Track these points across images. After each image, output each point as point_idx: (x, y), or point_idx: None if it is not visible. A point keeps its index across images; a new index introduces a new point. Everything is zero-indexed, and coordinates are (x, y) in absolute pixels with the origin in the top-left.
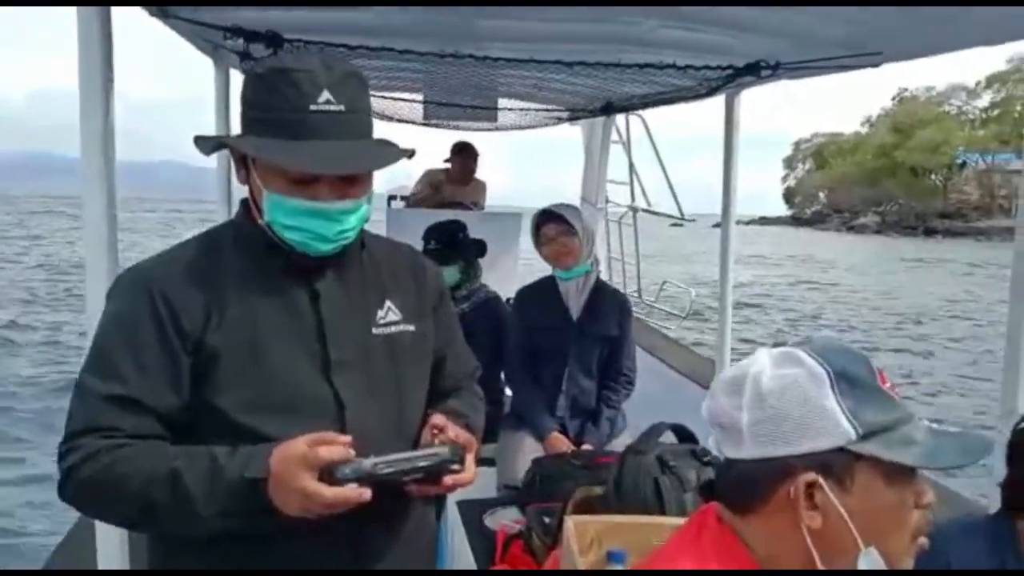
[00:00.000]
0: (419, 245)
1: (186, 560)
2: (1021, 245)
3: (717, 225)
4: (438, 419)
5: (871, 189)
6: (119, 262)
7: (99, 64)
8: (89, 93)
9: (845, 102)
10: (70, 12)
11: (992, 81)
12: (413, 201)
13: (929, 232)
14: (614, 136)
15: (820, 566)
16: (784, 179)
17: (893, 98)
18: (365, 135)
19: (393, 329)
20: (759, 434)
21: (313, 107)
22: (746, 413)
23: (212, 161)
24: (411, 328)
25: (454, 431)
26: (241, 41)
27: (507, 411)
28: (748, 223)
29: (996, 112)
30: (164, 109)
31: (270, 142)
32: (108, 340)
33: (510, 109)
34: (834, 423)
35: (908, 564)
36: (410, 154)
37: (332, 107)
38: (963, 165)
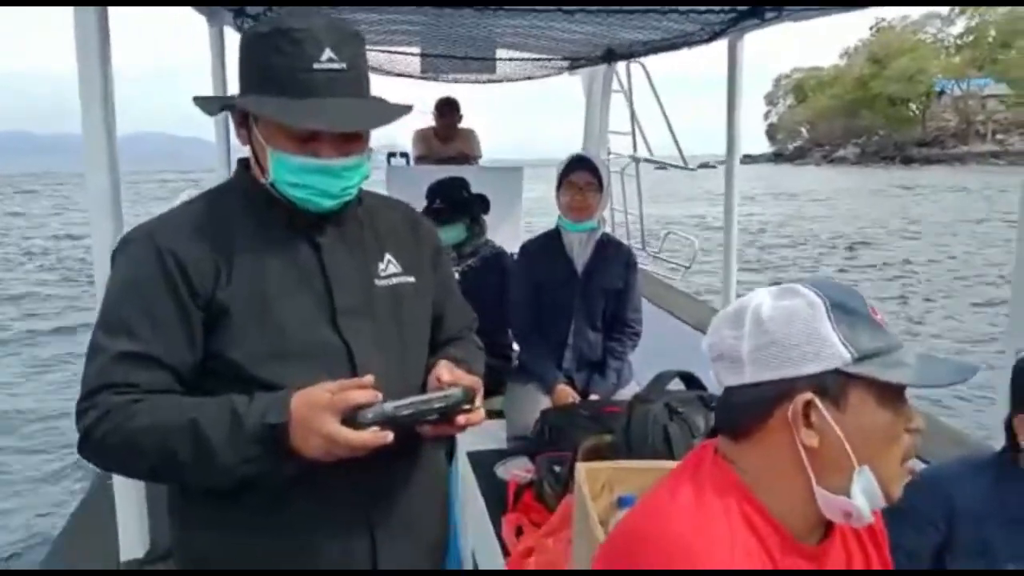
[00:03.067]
0: (421, 201)
1: (206, 510)
2: None
3: (703, 165)
4: (441, 366)
5: (851, 121)
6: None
7: (96, 37)
8: (88, 68)
9: (824, 35)
10: None
11: (965, 7)
12: (415, 160)
13: (907, 161)
14: (615, 85)
15: (815, 486)
16: (766, 116)
17: (870, 28)
18: (365, 93)
19: (395, 280)
20: (759, 359)
21: (316, 65)
22: (747, 341)
23: (195, 131)
24: (411, 280)
25: (460, 374)
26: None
27: (515, 364)
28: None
29: (970, 38)
30: (137, 81)
31: (274, 100)
32: (118, 298)
33: (509, 59)
34: (830, 346)
35: (899, 488)
36: (407, 110)
37: (335, 65)
38: (940, 93)
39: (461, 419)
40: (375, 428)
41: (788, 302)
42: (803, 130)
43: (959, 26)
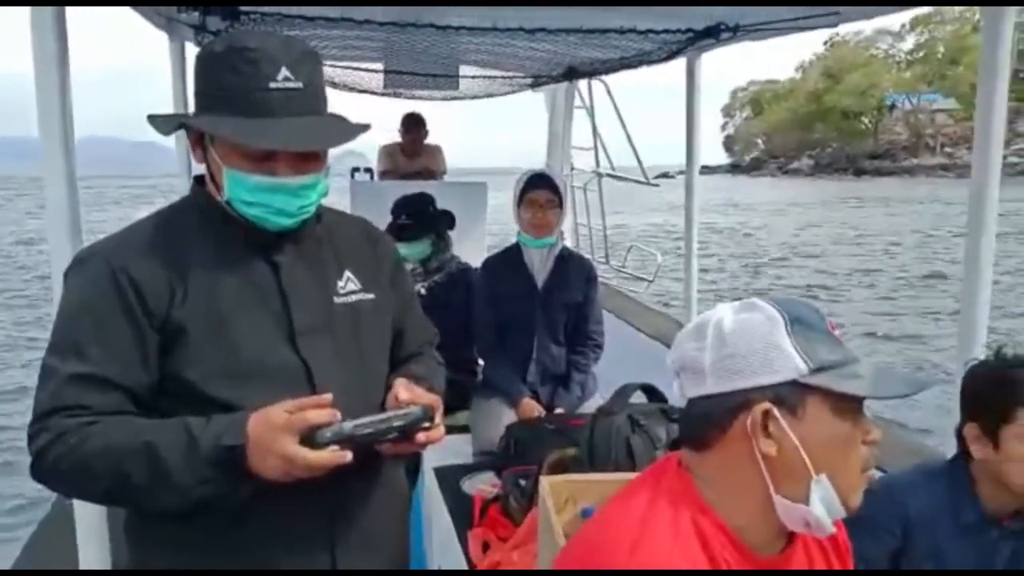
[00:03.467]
0: (386, 216)
1: (163, 530)
2: (977, 187)
3: (662, 175)
4: (400, 383)
5: (805, 134)
6: (83, 242)
7: (52, 37)
8: (43, 70)
9: (780, 49)
10: None
11: (915, 24)
12: (380, 175)
13: (859, 173)
14: (577, 101)
15: (773, 495)
16: (723, 127)
17: (824, 43)
18: (322, 112)
19: (354, 298)
20: (720, 370)
21: (272, 84)
22: (708, 353)
23: (152, 136)
24: (371, 296)
25: (419, 392)
26: (196, 14)
27: (480, 379)
28: (681, 174)
29: (920, 54)
30: (91, 85)
31: (230, 120)
32: (70, 319)
33: (472, 77)
34: (787, 358)
35: (858, 498)
36: (365, 128)
37: (291, 84)
38: (892, 107)
39: (421, 437)
40: (334, 447)
41: (748, 315)
42: (759, 142)
43: (909, 42)
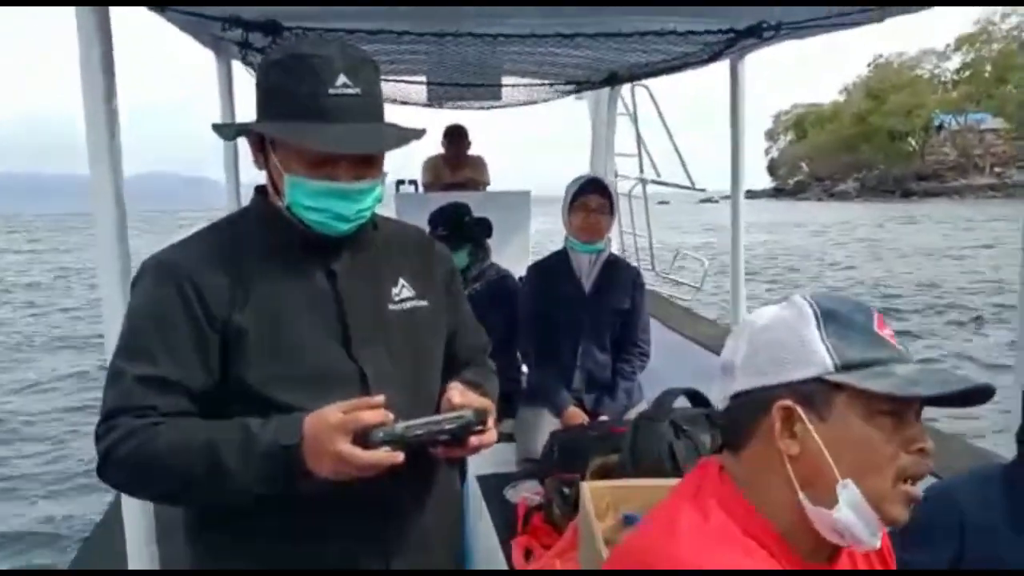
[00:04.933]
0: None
1: (221, 532)
2: None
3: (705, 200)
4: (454, 388)
5: (850, 156)
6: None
7: (99, 69)
8: (92, 99)
9: (822, 72)
10: (67, 34)
11: (961, 43)
12: (424, 188)
13: (907, 194)
14: (620, 108)
15: (801, 497)
16: (767, 151)
17: (868, 65)
18: (379, 118)
19: (408, 305)
20: (749, 367)
21: (331, 91)
22: (741, 350)
23: (204, 171)
24: (425, 303)
25: (472, 397)
26: (240, 31)
27: (524, 387)
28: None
29: (967, 73)
30: (139, 117)
31: (291, 124)
32: (137, 324)
33: (514, 86)
34: (813, 353)
35: (896, 510)
36: (421, 134)
37: (349, 91)
38: (940, 127)
39: (474, 440)
40: (386, 448)
41: (782, 312)
42: (803, 165)
43: (955, 61)
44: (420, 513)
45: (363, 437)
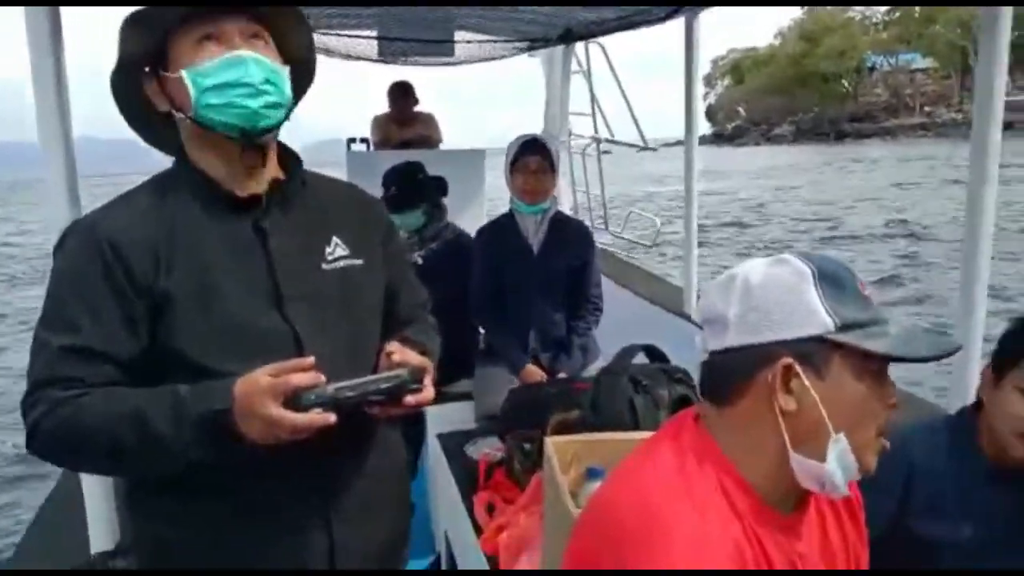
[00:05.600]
0: (380, 188)
1: (160, 502)
2: (981, 149)
3: (644, 149)
4: (393, 346)
5: (786, 99)
6: None
7: (47, 32)
8: (41, 75)
9: (758, 16)
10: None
11: None
12: (375, 146)
13: (840, 136)
14: (574, 66)
15: (791, 450)
16: (705, 96)
17: (801, 8)
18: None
19: (342, 263)
20: (744, 324)
21: None
22: (734, 306)
23: (124, 132)
24: (359, 262)
25: (410, 355)
26: None
27: (481, 347)
28: (674, 144)
29: (896, 14)
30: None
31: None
32: (59, 292)
33: (467, 42)
34: (814, 314)
35: (872, 459)
36: None
37: None
38: (872, 69)
39: (409, 399)
40: (317, 410)
41: (777, 269)
42: (741, 110)
43: None
44: (361, 479)
45: (294, 400)
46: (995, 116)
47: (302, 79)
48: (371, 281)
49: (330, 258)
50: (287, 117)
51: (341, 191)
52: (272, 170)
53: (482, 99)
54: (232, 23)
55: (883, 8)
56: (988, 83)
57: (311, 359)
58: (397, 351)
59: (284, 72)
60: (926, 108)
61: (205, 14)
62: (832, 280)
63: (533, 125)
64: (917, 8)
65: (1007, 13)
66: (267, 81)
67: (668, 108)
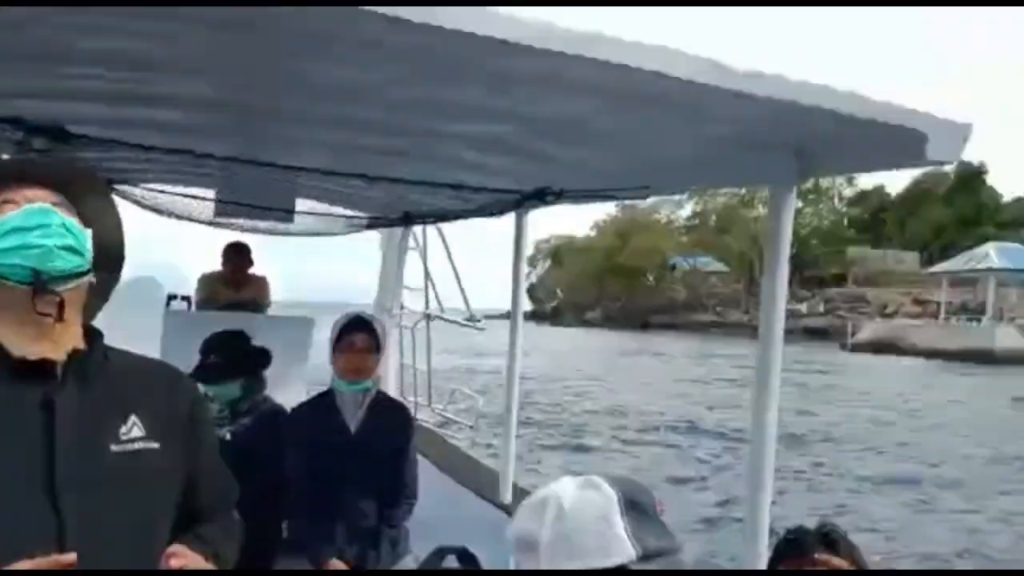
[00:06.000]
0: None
1: None
2: (765, 354)
3: (473, 326)
4: (176, 548)
5: (599, 287)
6: None
7: None
8: None
9: (579, 210)
10: None
11: (692, 195)
12: (198, 305)
13: (645, 326)
14: (411, 243)
15: None
16: (528, 275)
17: (616, 205)
18: None
19: (137, 445)
20: (554, 551)
21: None
22: (546, 529)
23: None
24: (156, 445)
25: (192, 558)
26: (21, 134)
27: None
28: (497, 317)
29: (696, 221)
30: None
31: None
32: None
33: (308, 212)
34: (621, 543)
35: None
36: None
37: None
38: (673, 267)
39: None
40: None
41: (587, 494)
42: (559, 291)
43: (687, 210)
44: None
45: None
46: (777, 323)
47: (109, 259)
48: (166, 467)
49: (123, 438)
50: (88, 278)
51: (147, 367)
52: (73, 340)
53: (318, 251)
54: (35, 191)
55: (685, 214)
56: (771, 293)
57: (72, 556)
58: (179, 555)
59: (86, 232)
60: (718, 308)
61: (12, 183)
62: (635, 506)
63: (371, 283)
64: (713, 218)
65: (787, 228)
66: (64, 227)
67: (492, 280)
